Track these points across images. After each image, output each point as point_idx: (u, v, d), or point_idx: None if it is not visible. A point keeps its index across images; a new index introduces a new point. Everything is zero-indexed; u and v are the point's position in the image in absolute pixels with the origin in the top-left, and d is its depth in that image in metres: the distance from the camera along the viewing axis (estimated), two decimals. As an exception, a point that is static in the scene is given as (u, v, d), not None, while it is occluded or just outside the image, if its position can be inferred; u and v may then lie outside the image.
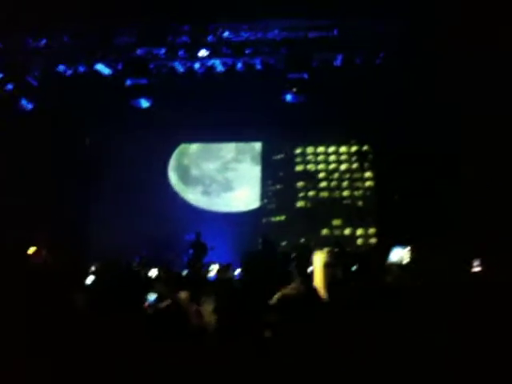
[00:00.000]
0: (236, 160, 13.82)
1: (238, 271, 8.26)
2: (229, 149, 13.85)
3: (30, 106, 10.61)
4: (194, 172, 13.84)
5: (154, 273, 7.59)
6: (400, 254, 5.68)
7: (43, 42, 9.98)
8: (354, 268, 5.57)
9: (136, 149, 12.52)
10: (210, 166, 13.85)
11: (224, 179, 13.78)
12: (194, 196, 13.59)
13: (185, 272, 9.78)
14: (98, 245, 11.59)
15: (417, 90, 9.82)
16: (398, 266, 5.56)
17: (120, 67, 10.26)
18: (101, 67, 10.22)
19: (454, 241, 6.94)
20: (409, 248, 5.92)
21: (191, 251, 10.60)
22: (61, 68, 10.33)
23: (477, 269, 5.45)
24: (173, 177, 13.62)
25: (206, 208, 13.41)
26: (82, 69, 10.35)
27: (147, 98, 10.19)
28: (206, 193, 13.65)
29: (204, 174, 13.81)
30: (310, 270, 6.40)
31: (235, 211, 13.35)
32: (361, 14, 9.20)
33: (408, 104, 10.20)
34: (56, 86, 10.74)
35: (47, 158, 11.23)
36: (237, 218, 12.90)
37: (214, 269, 8.72)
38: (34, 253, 10.19)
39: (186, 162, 13.86)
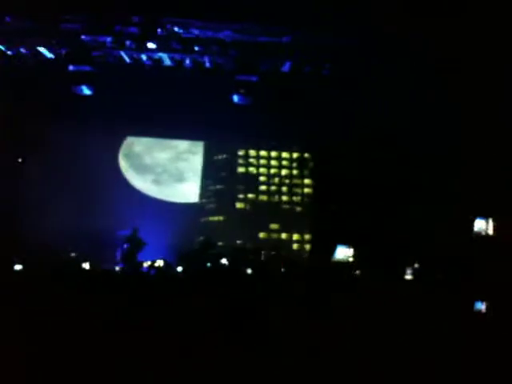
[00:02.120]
0: (189, 151, 13.68)
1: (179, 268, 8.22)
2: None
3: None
4: (147, 160, 13.58)
5: (87, 266, 7.44)
6: (344, 253, 5.87)
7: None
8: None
9: (77, 137, 12.06)
10: (163, 155, 13.62)
11: (176, 169, 13.60)
12: (144, 184, 13.33)
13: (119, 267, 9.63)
14: (30, 234, 11.09)
15: (361, 101, 10.07)
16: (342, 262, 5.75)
17: (63, 52, 9.93)
18: (44, 50, 9.85)
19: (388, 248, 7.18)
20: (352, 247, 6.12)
21: (126, 246, 10.38)
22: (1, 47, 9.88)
23: (408, 277, 5.66)
24: (123, 164, 13.32)
25: (156, 197, 13.17)
26: (23, 50, 9.94)
27: (89, 85, 9.91)
28: (156, 182, 13.43)
29: (156, 162, 13.56)
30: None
31: (184, 202, 13.21)
32: (312, 24, 9.34)
33: (351, 115, 10.43)
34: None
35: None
36: (179, 212, 12.67)
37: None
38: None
39: (137, 149, 13.59)
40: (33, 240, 10.34)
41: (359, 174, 10.73)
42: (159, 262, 8.17)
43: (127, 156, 13.41)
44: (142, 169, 13.49)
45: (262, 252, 9.42)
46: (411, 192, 9.61)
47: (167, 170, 13.56)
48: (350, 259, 6.31)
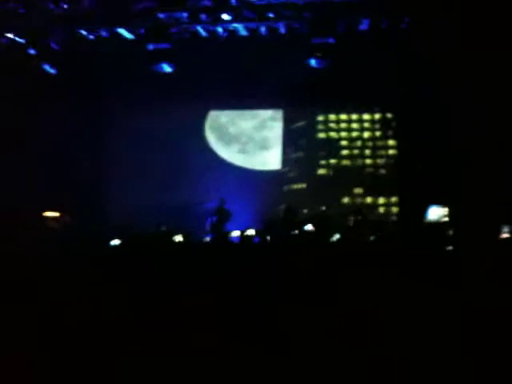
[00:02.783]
0: (273, 119, 13.74)
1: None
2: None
3: (53, 71, 10.61)
4: (232, 130, 13.80)
5: (179, 238, 7.69)
6: (438, 213, 5.69)
7: (64, 6, 9.92)
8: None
9: (159, 115, 12.36)
10: (248, 125, 13.78)
11: (260, 138, 13.72)
12: (230, 154, 13.59)
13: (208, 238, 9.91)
14: (119, 209, 11.61)
15: (443, 56, 9.60)
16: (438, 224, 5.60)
17: (142, 32, 10.20)
18: (123, 31, 10.15)
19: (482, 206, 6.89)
20: (447, 207, 5.92)
21: (215, 217, 10.68)
22: (83, 33, 10.29)
23: (505, 235, 5.42)
24: (210, 136, 13.63)
25: (242, 166, 13.43)
26: (104, 33, 10.30)
27: (169, 63, 10.12)
28: (242, 151, 13.65)
29: (241, 132, 13.76)
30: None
31: (269, 169, 13.36)
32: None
33: (434, 71, 9.98)
34: (79, 51, 10.70)
35: (69, 122, 11.24)
36: (262, 181, 12.75)
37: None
38: (53, 217, 10.34)
39: (223, 120, 13.83)
40: (122, 215, 10.83)
41: (445, 131, 10.30)
42: (250, 232, 8.30)
43: (213, 128, 13.65)
44: (227, 139, 13.69)
45: (350, 218, 9.32)
46: (504, 147, 9.12)
47: (252, 139, 13.68)
48: (445, 219, 6.09)
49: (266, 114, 13.72)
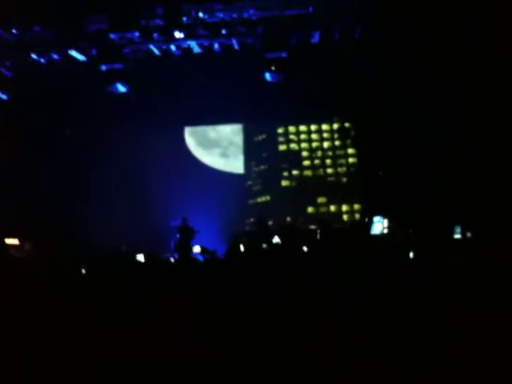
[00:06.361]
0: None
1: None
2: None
3: (4, 97, 10.42)
4: (212, 135, 13.79)
5: (141, 258, 7.56)
6: (380, 226, 5.76)
7: (15, 32, 9.79)
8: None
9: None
10: (227, 129, 13.82)
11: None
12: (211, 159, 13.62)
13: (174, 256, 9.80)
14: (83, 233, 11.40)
15: (396, 63, 9.77)
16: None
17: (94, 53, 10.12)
18: (75, 54, 10.05)
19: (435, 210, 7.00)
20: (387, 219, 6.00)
21: (178, 235, 10.58)
22: (34, 57, 10.14)
23: (457, 236, 5.54)
24: (190, 142, 13.58)
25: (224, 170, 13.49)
26: (56, 56, 10.17)
27: (124, 83, 10.05)
28: (224, 155, 13.67)
29: (221, 136, 13.76)
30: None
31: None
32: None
33: (388, 77, 10.15)
34: (31, 76, 10.53)
35: (28, 147, 11.03)
36: (225, 196, 12.70)
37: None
38: (16, 245, 10.07)
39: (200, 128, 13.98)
40: (87, 239, 10.64)
41: (403, 136, 10.46)
42: (276, 239, 8.19)
43: (193, 134, 13.65)
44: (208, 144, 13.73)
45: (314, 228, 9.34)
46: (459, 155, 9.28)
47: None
48: (385, 231, 6.16)
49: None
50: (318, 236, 7.21)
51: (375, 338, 3.13)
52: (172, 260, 9.68)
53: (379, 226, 5.98)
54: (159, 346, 3.16)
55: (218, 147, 13.80)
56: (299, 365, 2.98)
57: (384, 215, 6.03)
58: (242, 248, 7.54)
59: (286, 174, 13.30)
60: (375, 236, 5.60)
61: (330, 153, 13.24)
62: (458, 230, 5.75)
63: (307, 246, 7.39)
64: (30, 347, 3.22)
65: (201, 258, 8.55)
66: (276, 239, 8.63)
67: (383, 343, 3.09)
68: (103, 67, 9.86)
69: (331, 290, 3.83)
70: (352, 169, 12.95)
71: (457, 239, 5.74)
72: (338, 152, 13.17)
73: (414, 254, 4.65)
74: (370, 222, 6.17)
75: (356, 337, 3.15)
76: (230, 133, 13.85)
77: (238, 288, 4.10)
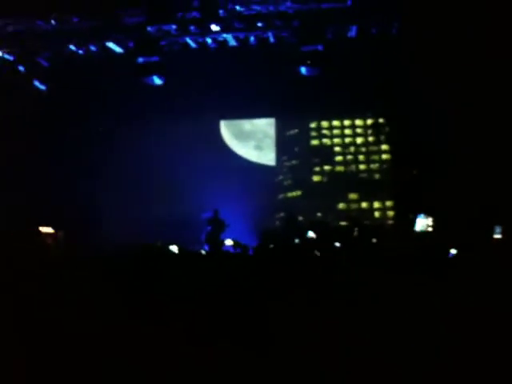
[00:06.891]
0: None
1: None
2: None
3: (43, 87, 10.60)
4: (247, 127, 13.83)
5: (174, 249, 7.62)
6: (424, 223, 5.68)
7: (53, 23, 9.94)
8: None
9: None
10: (263, 122, 13.87)
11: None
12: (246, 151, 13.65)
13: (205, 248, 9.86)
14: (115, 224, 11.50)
15: (434, 60, 9.61)
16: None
17: (131, 45, 10.21)
18: (112, 45, 10.16)
19: (474, 210, 6.87)
20: (432, 217, 5.92)
21: (209, 228, 10.63)
22: (72, 48, 10.29)
23: (498, 236, 5.43)
24: (225, 134, 13.65)
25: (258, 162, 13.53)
26: (93, 48, 10.30)
27: (160, 75, 10.12)
28: (258, 147, 13.70)
29: (257, 129, 13.79)
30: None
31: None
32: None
33: (425, 75, 9.98)
34: (68, 67, 10.69)
35: (62, 138, 11.20)
36: (256, 191, 12.65)
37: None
38: (50, 233, 10.26)
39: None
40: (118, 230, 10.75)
41: (438, 134, 10.29)
42: (311, 234, 8.20)
43: (228, 126, 13.72)
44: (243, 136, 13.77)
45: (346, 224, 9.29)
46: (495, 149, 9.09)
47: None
48: (430, 229, 6.07)
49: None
50: (356, 233, 7.15)
51: (391, 338, 3.10)
52: (203, 252, 9.73)
53: (422, 222, 5.91)
54: (159, 346, 3.16)
55: (253, 139, 13.77)
56: (299, 365, 2.96)
57: (427, 213, 5.95)
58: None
59: (317, 169, 13.20)
60: (419, 233, 5.54)
61: (363, 149, 13.08)
62: (499, 229, 5.65)
63: (341, 243, 7.34)
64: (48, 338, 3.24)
65: (232, 251, 8.59)
66: (311, 234, 8.58)
67: (399, 343, 3.06)
68: (140, 59, 9.94)
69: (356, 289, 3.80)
70: (385, 165, 12.78)
71: (497, 239, 5.64)
72: (371, 148, 13.01)
73: (456, 253, 4.57)
74: (414, 220, 6.10)
75: (366, 337, 3.11)
76: (266, 125, 13.80)
77: (251, 286, 4.07)
